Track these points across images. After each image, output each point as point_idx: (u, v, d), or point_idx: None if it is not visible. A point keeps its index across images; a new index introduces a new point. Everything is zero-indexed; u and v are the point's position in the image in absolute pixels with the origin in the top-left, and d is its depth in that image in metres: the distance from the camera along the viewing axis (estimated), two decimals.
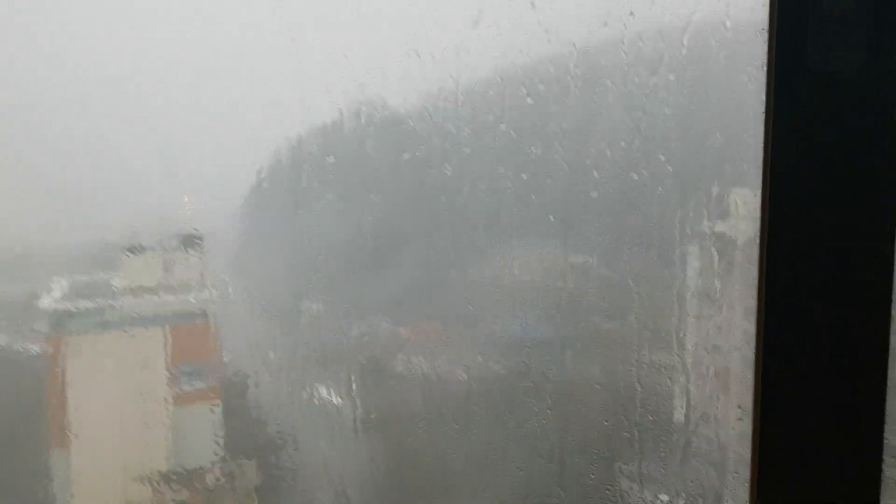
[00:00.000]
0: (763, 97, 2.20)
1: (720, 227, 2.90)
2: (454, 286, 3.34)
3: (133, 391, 3.19)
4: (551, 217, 3.05)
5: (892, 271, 1.96)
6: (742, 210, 2.74)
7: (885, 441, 1.93)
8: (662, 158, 2.95)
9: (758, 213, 2.29)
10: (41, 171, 3.18)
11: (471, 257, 3.22)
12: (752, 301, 2.55)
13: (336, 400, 3.15)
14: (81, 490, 3.06)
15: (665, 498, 2.73)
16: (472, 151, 3.09)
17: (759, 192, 2.08)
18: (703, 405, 2.85)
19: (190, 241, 3.03)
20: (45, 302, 3.18)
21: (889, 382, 1.91)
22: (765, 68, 2.08)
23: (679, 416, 2.87)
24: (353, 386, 3.19)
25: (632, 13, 2.75)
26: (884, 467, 1.93)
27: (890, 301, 1.95)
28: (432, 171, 3.15)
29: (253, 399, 3.22)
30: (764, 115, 2.05)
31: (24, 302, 3.17)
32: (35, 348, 3.17)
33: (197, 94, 3.14)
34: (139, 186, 3.24)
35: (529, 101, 2.95)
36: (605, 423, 2.89)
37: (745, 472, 2.73)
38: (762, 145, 2.07)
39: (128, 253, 3.13)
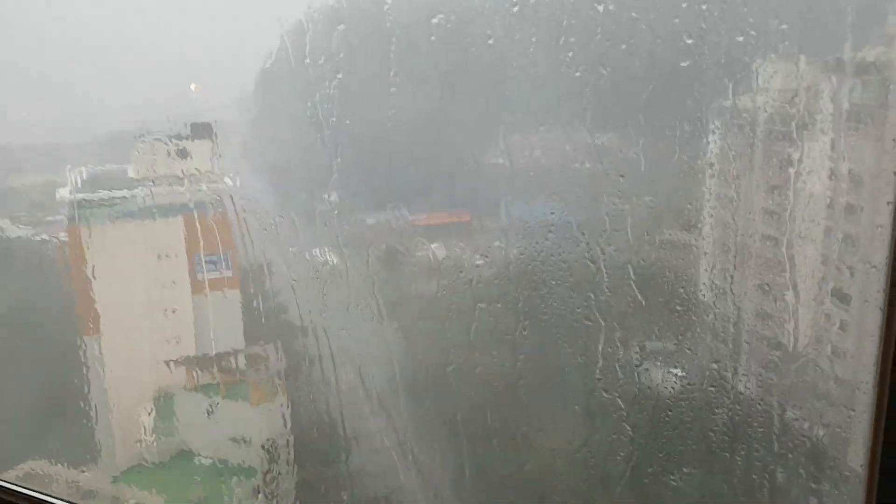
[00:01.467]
0: None
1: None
2: (470, 174, 3.21)
3: (154, 280, 3.25)
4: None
5: None
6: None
7: None
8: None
9: None
10: (54, 66, 3.15)
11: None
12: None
13: (355, 286, 3.15)
14: (112, 373, 3.17)
15: (678, 372, 2.70)
16: (520, 10, 2.45)
17: None
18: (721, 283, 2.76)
19: (202, 130, 2.99)
20: (64, 193, 3.22)
21: None
22: None
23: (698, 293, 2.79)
24: (372, 273, 3.18)
25: None
26: None
27: None
28: (468, 39, 2.59)
29: (272, 287, 3.25)
30: None
31: (44, 193, 3.22)
32: (55, 238, 3.23)
33: None
34: (148, 76, 3.18)
35: None
36: (624, 301, 2.81)
37: (746, 340, 2.66)
38: None
39: (141, 142, 3.12)
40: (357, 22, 2.68)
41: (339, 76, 2.65)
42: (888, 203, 2.17)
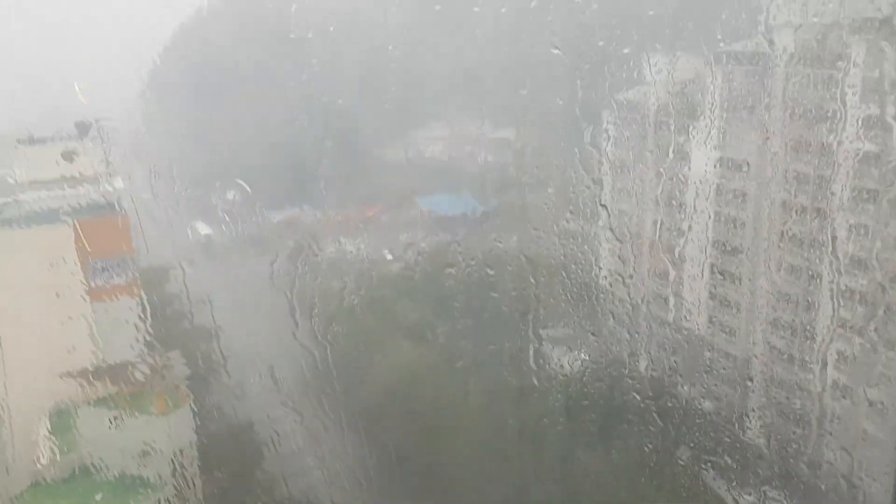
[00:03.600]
0: None
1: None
2: (376, 169, 3.43)
3: (48, 289, 3.11)
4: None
5: None
6: None
7: None
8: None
9: None
10: None
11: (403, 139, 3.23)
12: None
13: (262, 287, 3.17)
14: (10, 387, 3.01)
15: (582, 356, 2.98)
16: (419, 16, 2.86)
17: None
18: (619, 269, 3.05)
19: (89, 131, 2.88)
20: None
21: None
22: None
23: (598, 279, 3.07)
24: (280, 271, 3.23)
25: None
26: None
27: None
28: (363, 43, 2.98)
29: (175, 291, 3.20)
30: None
31: None
32: None
33: None
34: (29, 76, 3.08)
35: None
36: (528, 289, 3.05)
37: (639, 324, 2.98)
38: None
39: (24, 145, 2.98)
40: (254, 25, 2.84)
41: (237, 72, 2.75)
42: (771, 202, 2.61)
